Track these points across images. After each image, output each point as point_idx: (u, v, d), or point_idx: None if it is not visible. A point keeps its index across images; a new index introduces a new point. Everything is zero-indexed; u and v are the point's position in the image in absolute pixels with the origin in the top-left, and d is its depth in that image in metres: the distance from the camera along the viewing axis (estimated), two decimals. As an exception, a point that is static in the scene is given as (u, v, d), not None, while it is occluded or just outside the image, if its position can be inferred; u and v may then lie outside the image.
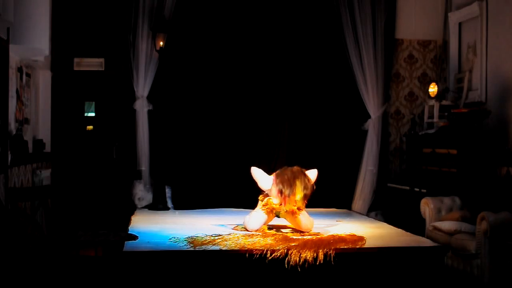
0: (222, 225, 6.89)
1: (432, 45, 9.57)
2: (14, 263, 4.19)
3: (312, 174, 6.60)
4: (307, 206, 6.47)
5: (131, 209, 8.39)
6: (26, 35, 6.76)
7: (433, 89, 8.55)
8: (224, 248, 5.50)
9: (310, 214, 6.59)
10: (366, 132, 9.18)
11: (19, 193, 5.41)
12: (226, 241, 5.75)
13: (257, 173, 6.72)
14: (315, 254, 5.44)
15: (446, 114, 8.31)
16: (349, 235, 6.15)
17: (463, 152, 7.62)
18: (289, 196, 6.29)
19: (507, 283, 6.04)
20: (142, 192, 8.74)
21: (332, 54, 9.21)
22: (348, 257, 5.55)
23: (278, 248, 5.50)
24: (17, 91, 7.00)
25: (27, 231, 4.93)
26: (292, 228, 6.57)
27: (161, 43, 8.55)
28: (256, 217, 6.49)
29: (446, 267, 6.31)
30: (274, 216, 6.56)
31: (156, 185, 8.69)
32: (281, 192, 6.32)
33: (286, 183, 6.33)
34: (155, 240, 5.84)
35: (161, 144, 8.79)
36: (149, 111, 8.84)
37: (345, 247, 5.65)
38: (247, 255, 5.38)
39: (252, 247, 5.52)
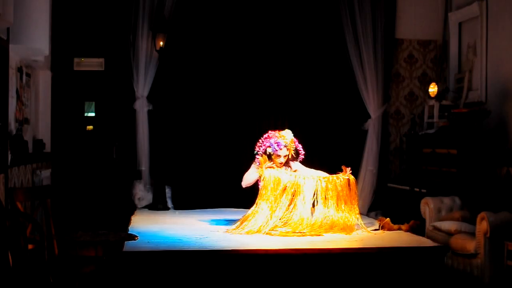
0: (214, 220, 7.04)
1: (432, 45, 9.57)
2: (13, 263, 4.19)
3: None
4: None
5: (131, 209, 8.40)
6: (26, 35, 6.75)
7: (433, 89, 8.54)
8: (223, 248, 5.51)
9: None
10: (366, 132, 9.19)
11: (19, 193, 5.40)
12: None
13: (247, 178, 6.97)
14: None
15: (446, 114, 8.31)
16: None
17: (463, 152, 7.62)
18: (275, 147, 6.73)
19: (507, 283, 6.04)
20: (142, 192, 8.74)
21: (332, 54, 9.22)
22: (348, 257, 5.56)
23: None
24: (17, 91, 7.00)
25: (27, 232, 4.93)
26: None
27: (161, 43, 8.55)
28: (250, 174, 6.88)
29: (446, 267, 6.31)
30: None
31: (156, 185, 8.69)
32: (265, 152, 6.80)
33: (263, 143, 6.84)
34: (155, 240, 5.85)
35: (161, 144, 8.80)
36: (149, 111, 8.85)
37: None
38: (251, 254, 5.41)
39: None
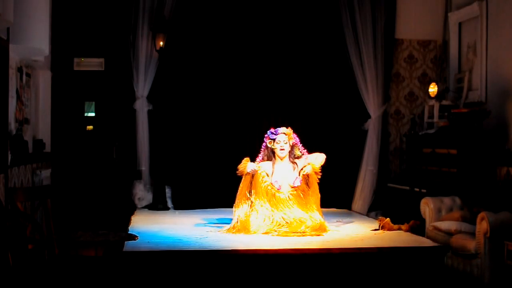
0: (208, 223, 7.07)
1: (432, 45, 9.57)
2: (13, 263, 4.20)
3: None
4: None
5: (131, 209, 8.40)
6: (26, 35, 6.74)
7: (433, 89, 8.55)
8: (223, 248, 5.51)
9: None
10: (366, 132, 9.19)
11: (19, 193, 5.40)
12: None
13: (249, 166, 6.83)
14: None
15: (446, 114, 8.32)
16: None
17: (463, 152, 7.62)
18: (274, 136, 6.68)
19: (507, 283, 6.04)
20: (142, 192, 8.75)
21: (332, 54, 9.22)
22: (348, 257, 5.55)
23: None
24: (17, 91, 6.99)
25: (27, 232, 4.93)
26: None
27: (161, 43, 8.55)
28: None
29: (446, 267, 6.31)
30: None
31: (156, 185, 8.69)
32: (267, 147, 6.74)
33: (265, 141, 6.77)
34: (155, 240, 5.85)
35: (161, 144, 8.80)
36: (149, 111, 8.85)
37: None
38: (251, 254, 5.41)
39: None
